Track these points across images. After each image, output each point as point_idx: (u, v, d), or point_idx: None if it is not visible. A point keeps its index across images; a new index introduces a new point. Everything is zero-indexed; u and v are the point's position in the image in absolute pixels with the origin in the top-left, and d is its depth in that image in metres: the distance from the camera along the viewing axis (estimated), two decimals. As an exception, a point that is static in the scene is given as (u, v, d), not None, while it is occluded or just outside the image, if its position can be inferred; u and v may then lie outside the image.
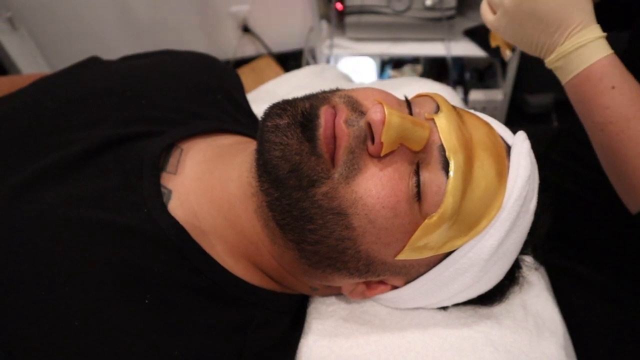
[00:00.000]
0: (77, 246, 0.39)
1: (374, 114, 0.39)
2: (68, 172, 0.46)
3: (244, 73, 1.85)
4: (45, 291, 0.37)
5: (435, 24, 1.55)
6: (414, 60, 1.83)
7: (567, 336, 0.55)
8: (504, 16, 0.55)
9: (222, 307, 0.43)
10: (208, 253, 0.44)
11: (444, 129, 0.42)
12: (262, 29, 1.88)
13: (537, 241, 0.50)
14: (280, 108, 0.42)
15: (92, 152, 0.48)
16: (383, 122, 0.39)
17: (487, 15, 0.60)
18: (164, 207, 0.45)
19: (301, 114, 0.41)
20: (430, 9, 1.50)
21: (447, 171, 0.41)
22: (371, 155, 0.41)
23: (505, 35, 0.57)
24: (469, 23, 1.68)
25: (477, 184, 0.42)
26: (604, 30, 0.51)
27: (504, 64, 1.70)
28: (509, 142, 0.48)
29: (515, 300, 0.54)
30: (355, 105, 0.43)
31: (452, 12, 1.53)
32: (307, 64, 1.88)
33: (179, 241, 0.43)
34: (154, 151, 0.49)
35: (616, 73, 0.50)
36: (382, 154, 0.40)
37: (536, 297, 0.56)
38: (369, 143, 0.41)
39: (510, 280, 0.51)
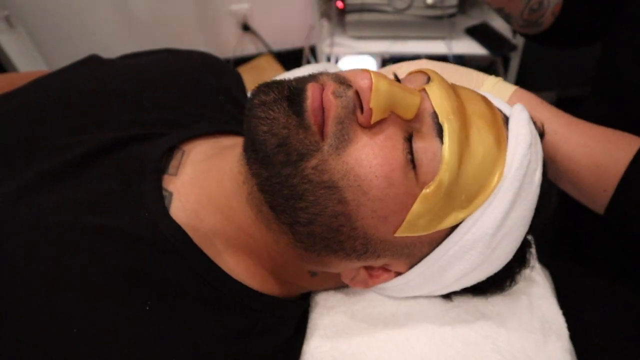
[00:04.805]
0: (77, 252, 0.39)
1: (361, 81, 0.39)
2: (68, 176, 0.45)
3: (244, 72, 1.84)
4: (44, 297, 0.36)
5: (436, 22, 1.54)
6: (415, 58, 1.82)
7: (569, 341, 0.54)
8: None
9: (225, 313, 0.42)
10: (210, 258, 0.44)
11: (436, 95, 0.42)
12: (262, 27, 1.87)
13: (545, 219, 0.48)
14: (266, 86, 0.41)
15: (92, 156, 0.47)
16: (371, 88, 0.38)
17: None
18: (165, 211, 0.44)
19: (288, 89, 0.41)
20: (432, 7, 1.49)
21: (441, 138, 0.40)
22: (362, 126, 0.40)
23: None
24: (471, 21, 1.68)
25: (475, 151, 0.41)
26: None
27: (506, 63, 1.69)
28: (507, 113, 0.47)
29: (522, 302, 0.53)
30: (342, 80, 0.42)
31: (453, 10, 1.53)
32: (308, 62, 1.88)
33: (181, 247, 0.42)
34: (155, 154, 0.48)
35: (534, 96, 0.54)
36: (372, 121, 0.39)
37: (542, 299, 0.55)
38: (359, 113, 0.40)
39: (520, 262, 0.49)
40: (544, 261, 0.64)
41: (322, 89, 0.40)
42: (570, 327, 0.54)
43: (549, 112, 0.52)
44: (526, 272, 0.51)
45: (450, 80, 0.51)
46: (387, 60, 1.84)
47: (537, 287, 0.57)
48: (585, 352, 0.56)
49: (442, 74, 0.52)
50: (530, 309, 0.53)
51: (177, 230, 0.43)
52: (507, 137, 0.44)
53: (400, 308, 0.52)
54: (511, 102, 0.52)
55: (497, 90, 0.53)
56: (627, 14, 0.58)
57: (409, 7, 1.49)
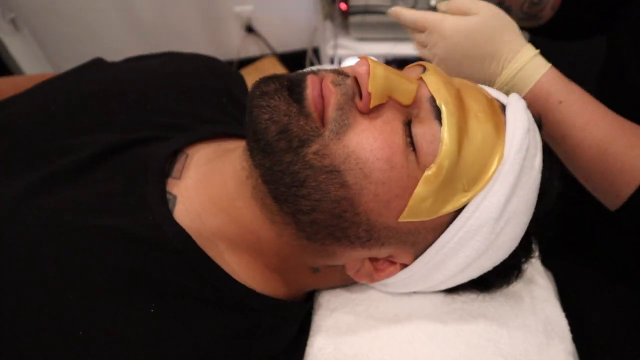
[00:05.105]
0: (78, 252, 0.39)
1: (359, 67, 0.41)
2: (73, 178, 0.45)
3: (248, 73, 1.85)
4: (49, 299, 0.36)
5: (440, 24, 1.54)
6: (418, 60, 1.82)
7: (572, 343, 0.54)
8: (441, 64, 0.57)
9: (226, 313, 0.43)
10: (213, 260, 0.44)
11: (433, 82, 0.43)
12: (266, 29, 1.87)
13: (548, 207, 0.48)
14: (266, 78, 0.43)
15: (97, 158, 0.47)
16: (368, 73, 0.40)
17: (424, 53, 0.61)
18: (169, 214, 0.44)
19: (287, 80, 0.42)
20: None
21: (440, 120, 0.41)
22: (361, 112, 0.41)
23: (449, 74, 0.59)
24: (474, 23, 1.67)
25: (474, 134, 0.42)
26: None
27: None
28: (504, 101, 0.48)
29: (525, 305, 0.53)
30: (340, 71, 0.43)
31: (457, 12, 1.52)
32: (311, 64, 1.88)
33: (185, 249, 0.43)
34: (159, 157, 0.49)
35: (559, 88, 0.51)
36: (370, 106, 0.40)
37: (545, 302, 0.56)
38: (357, 99, 0.41)
39: (526, 250, 0.49)
40: (546, 262, 0.63)
41: (322, 80, 0.42)
42: (572, 328, 0.54)
43: (575, 102, 0.51)
44: (529, 274, 0.51)
45: (471, 42, 0.53)
46: (390, 62, 1.84)
47: (540, 290, 0.57)
48: (586, 352, 0.56)
49: (467, 30, 0.53)
50: (533, 312, 0.53)
51: (180, 233, 0.43)
52: (505, 124, 0.44)
53: (403, 309, 0.52)
54: (540, 83, 0.52)
55: (525, 71, 0.52)
56: (632, 14, 0.58)
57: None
